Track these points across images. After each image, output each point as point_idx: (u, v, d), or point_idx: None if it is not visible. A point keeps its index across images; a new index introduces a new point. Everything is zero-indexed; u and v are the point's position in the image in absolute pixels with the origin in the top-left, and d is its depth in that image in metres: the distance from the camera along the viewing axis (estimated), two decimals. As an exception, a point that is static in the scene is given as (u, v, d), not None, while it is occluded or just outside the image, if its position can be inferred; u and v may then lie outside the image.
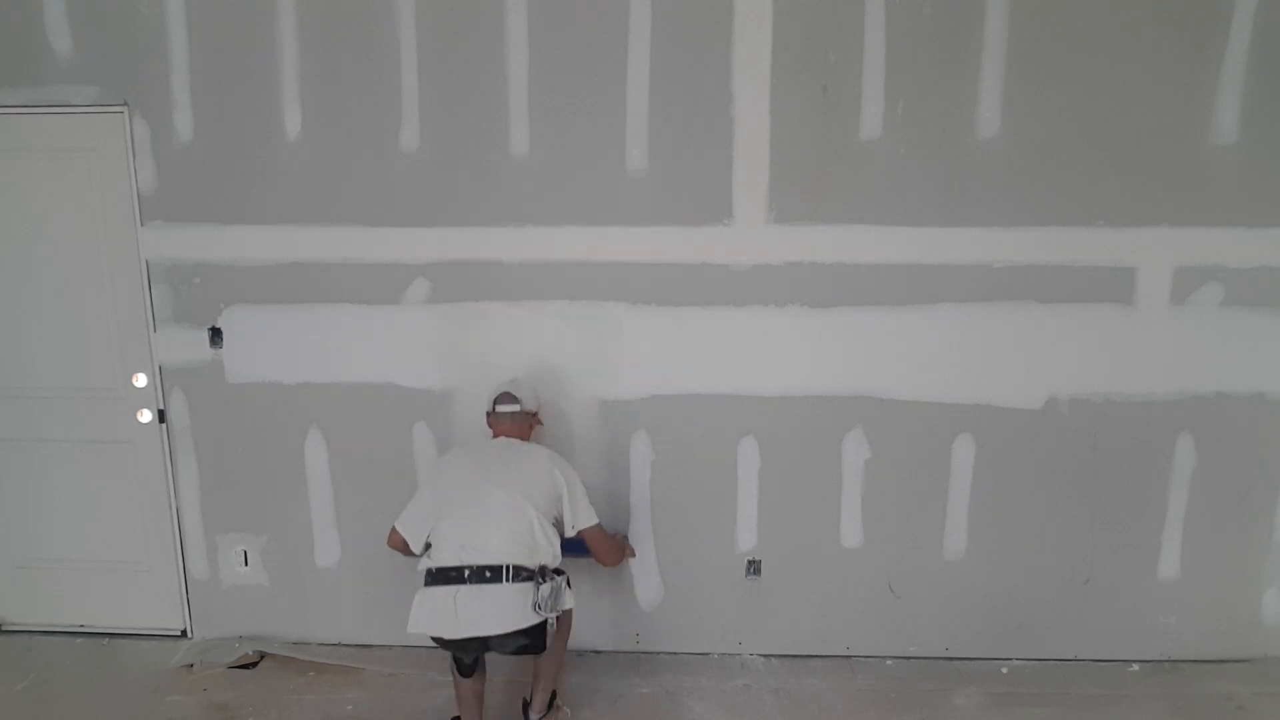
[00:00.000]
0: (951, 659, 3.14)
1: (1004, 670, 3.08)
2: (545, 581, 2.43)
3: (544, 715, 2.69)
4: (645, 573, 3.15)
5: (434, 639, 2.45)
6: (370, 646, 3.21)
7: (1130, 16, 2.73)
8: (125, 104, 2.91)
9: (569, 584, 2.55)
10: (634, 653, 3.20)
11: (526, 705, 2.71)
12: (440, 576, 2.42)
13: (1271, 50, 2.73)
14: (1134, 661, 3.11)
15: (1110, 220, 2.84)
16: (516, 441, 2.66)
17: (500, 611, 2.37)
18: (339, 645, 3.23)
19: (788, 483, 3.06)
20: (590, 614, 3.14)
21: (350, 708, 2.87)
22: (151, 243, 2.99)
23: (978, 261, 2.88)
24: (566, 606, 2.54)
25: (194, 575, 3.24)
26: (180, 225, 2.98)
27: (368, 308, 2.97)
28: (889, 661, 3.15)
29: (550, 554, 2.49)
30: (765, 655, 3.18)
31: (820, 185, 2.86)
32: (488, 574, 2.38)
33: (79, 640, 3.28)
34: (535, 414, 2.78)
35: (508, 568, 2.39)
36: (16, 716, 2.83)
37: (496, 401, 2.69)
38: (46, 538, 3.26)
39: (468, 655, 2.50)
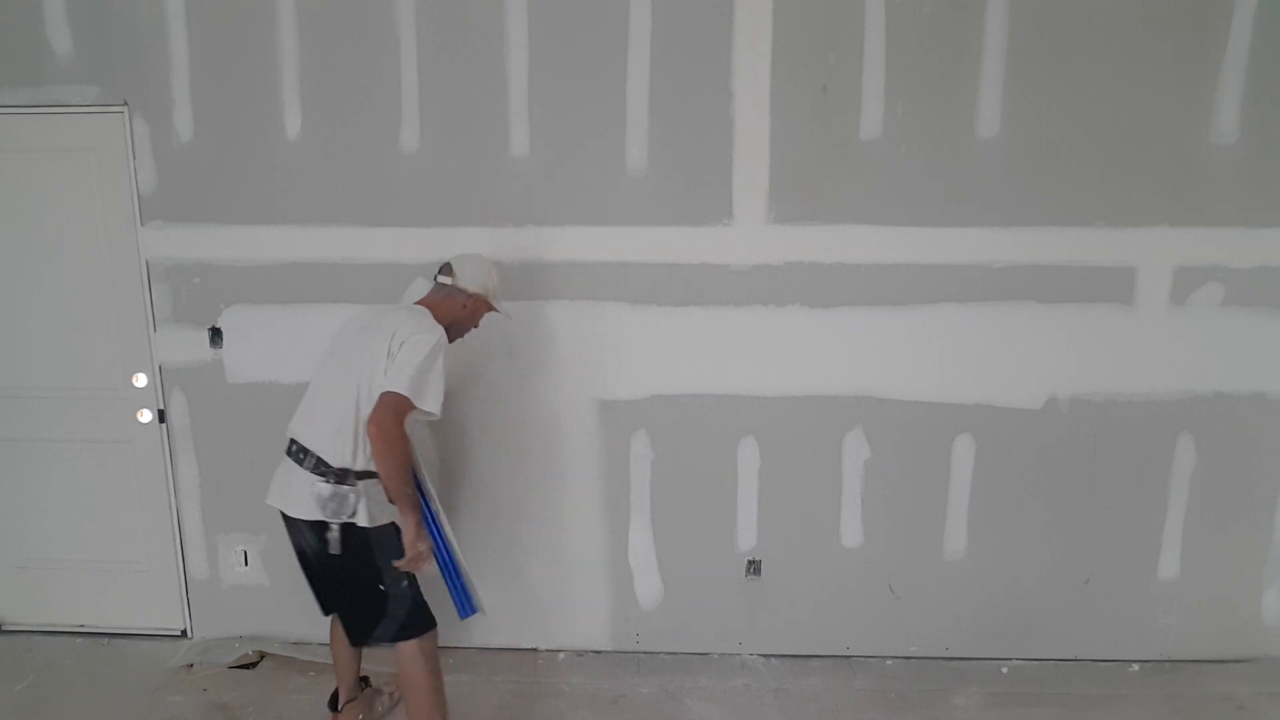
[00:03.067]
0: (951, 659, 3.14)
1: (1004, 670, 3.08)
2: (336, 483, 2.26)
3: None
4: (645, 573, 3.15)
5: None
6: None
7: (1130, 17, 2.73)
8: (125, 104, 2.91)
9: (366, 499, 2.29)
10: (634, 653, 3.20)
11: None
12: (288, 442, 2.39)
13: (1271, 50, 2.73)
14: (1134, 661, 3.11)
15: (1110, 220, 2.84)
16: (400, 308, 2.47)
17: (298, 495, 2.30)
18: (339, 645, 3.23)
19: (788, 483, 3.05)
20: (590, 614, 3.15)
21: (350, 708, 2.87)
22: (151, 243, 2.99)
23: (978, 261, 2.88)
24: (357, 521, 2.28)
25: (194, 575, 3.23)
26: (180, 225, 2.98)
27: (367, 308, 2.96)
28: (889, 661, 3.15)
29: (361, 455, 2.28)
30: (765, 655, 3.18)
31: (820, 185, 2.86)
32: (301, 455, 2.32)
33: (79, 640, 3.28)
34: (472, 296, 2.49)
35: (315, 456, 2.29)
36: (16, 716, 2.83)
37: (439, 270, 2.54)
38: (46, 538, 3.26)
39: (296, 538, 2.40)
